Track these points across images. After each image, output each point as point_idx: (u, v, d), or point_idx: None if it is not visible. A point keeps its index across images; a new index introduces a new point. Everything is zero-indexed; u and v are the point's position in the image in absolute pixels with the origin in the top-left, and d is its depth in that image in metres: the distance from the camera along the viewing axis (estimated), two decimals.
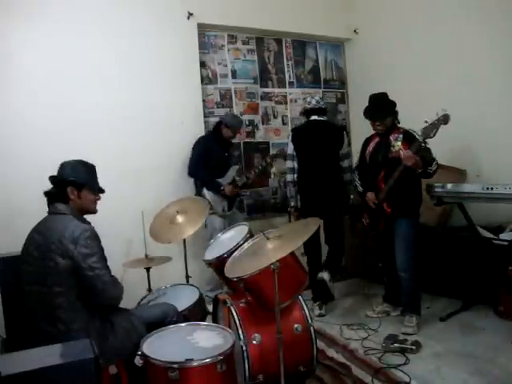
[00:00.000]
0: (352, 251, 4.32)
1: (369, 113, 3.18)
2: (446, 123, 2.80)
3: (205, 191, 3.86)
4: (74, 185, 2.12)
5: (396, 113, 3.17)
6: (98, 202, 2.24)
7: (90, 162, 2.22)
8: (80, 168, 2.16)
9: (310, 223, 2.34)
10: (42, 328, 2.02)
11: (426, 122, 2.84)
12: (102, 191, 2.24)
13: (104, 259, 2.08)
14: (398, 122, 3.18)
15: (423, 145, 2.86)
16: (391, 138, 3.12)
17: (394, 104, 3.16)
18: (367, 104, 3.21)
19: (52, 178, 2.15)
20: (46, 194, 2.15)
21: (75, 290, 1.99)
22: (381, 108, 3.12)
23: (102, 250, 2.08)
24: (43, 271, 1.99)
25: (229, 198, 3.95)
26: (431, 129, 2.81)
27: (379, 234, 3.27)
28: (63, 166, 2.16)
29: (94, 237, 2.05)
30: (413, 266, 3.14)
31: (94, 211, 2.23)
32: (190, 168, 3.91)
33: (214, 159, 3.91)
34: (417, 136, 2.96)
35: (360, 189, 3.39)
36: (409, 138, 3.04)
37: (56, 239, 1.98)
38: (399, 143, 3.08)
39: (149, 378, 1.83)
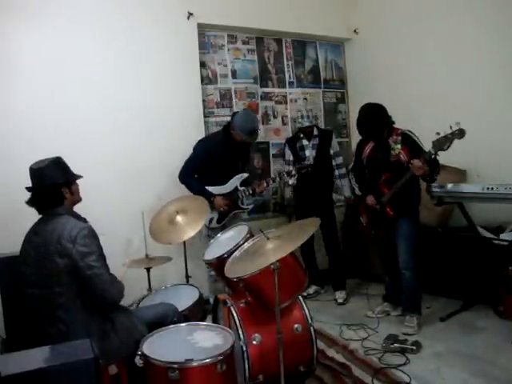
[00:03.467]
0: (352, 251, 4.32)
1: (364, 132, 3.14)
2: (461, 138, 2.73)
3: None
4: (66, 184, 2.13)
5: (389, 118, 3.11)
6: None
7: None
8: (59, 166, 2.14)
9: (309, 223, 2.34)
10: (42, 328, 2.02)
11: (438, 133, 2.77)
12: (81, 176, 2.24)
13: (102, 258, 2.07)
14: (393, 123, 3.14)
15: (433, 156, 2.82)
16: (390, 141, 3.10)
17: (385, 115, 3.07)
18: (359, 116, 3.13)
19: (39, 187, 2.09)
20: (35, 203, 2.11)
21: (75, 290, 1.99)
22: (374, 128, 3.06)
23: (100, 248, 2.08)
24: (43, 272, 1.99)
25: (220, 211, 3.53)
26: (444, 142, 2.75)
27: (379, 235, 3.27)
28: (42, 171, 2.07)
29: (92, 235, 2.05)
30: (414, 264, 3.15)
31: (80, 199, 2.25)
32: (180, 172, 3.55)
33: (216, 164, 3.50)
34: (416, 140, 3.01)
35: (358, 192, 3.39)
36: (407, 140, 3.05)
37: (55, 240, 1.98)
38: (399, 146, 3.07)
39: (149, 378, 1.83)
